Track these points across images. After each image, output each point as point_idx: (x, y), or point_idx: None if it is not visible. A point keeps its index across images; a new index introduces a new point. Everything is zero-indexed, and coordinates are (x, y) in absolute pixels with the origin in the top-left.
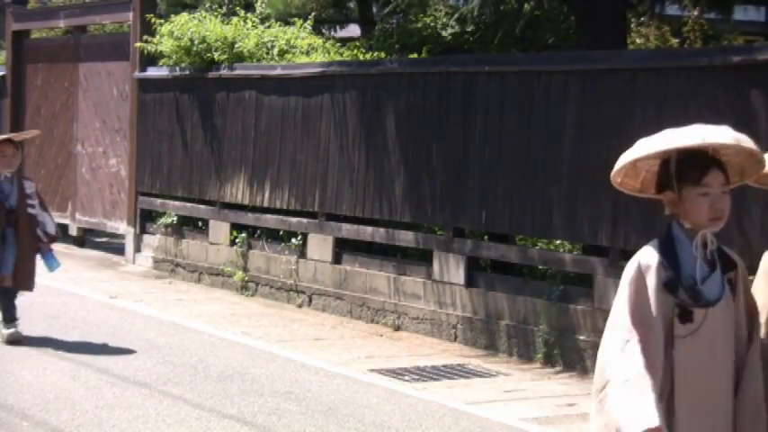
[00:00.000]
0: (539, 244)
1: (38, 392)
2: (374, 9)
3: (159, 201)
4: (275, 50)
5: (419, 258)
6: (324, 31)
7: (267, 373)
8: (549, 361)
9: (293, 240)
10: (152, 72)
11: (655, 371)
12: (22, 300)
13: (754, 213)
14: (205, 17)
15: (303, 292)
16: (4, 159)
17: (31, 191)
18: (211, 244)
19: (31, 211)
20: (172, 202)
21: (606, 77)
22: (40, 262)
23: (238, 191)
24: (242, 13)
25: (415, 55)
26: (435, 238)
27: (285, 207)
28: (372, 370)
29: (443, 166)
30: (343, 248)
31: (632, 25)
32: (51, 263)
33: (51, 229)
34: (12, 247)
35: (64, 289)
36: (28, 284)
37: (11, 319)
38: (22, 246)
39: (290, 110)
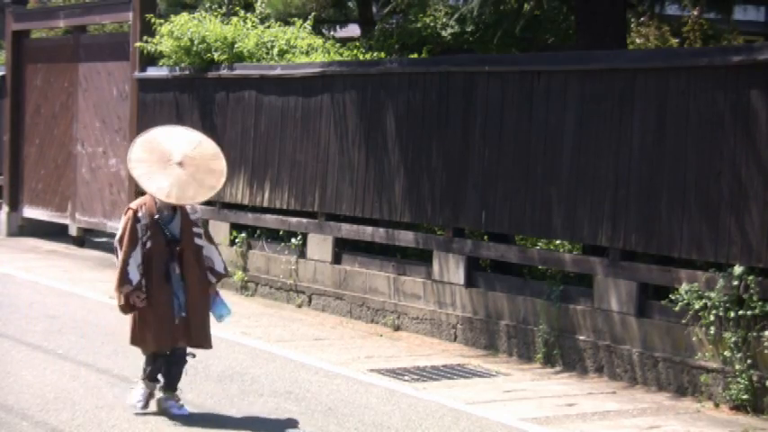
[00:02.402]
0: (539, 244)
1: (38, 392)
2: (374, 9)
3: None
4: (275, 50)
5: (419, 258)
6: (324, 31)
7: (267, 373)
8: (548, 361)
9: (293, 240)
10: (152, 72)
11: None
12: (22, 299)
13: (754, 213)
14: (205, 17)
15: (303, 292)
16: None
17: (196, 216)
18: None
19: (198, 241)
20: None
21: (606, 77)
22: None
23: (238, 191)
24: (242, 13)
25: (415, 55)
26: (435, 237)
27: (285, 207)
28: (372, 370)
29: (443, 166)
30: (342, 248)
31: (632, 25)
32: (221, 310)
33: (220, 267)
34: (180, 289)
35: (64, 289)
36: (206, 339)
37: (172, 387)
38: (192, 287)
39: (289, 110)
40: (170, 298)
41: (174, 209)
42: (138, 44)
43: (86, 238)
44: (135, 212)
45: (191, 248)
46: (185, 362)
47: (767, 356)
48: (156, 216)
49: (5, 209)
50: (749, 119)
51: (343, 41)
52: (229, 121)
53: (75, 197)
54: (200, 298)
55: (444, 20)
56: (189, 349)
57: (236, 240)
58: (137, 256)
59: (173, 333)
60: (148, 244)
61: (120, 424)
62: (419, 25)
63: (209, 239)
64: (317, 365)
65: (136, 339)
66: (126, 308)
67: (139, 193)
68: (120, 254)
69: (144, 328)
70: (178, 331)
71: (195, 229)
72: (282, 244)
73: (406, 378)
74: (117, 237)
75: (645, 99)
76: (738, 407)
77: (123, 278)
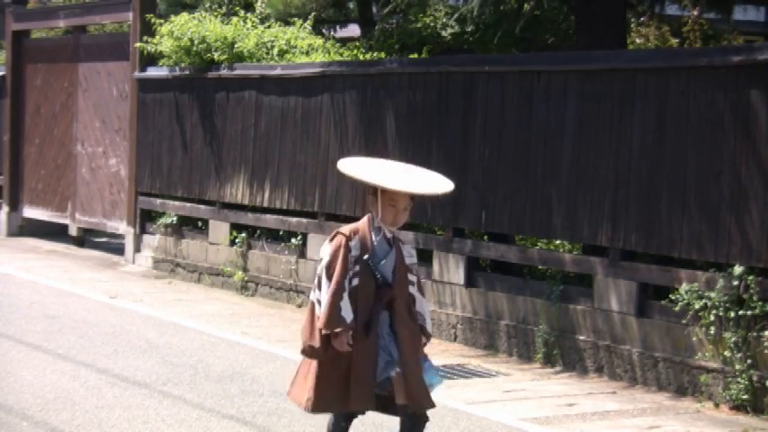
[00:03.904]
0: (539, 244)
1: (38, 392)
2: (374, 9)
3: (159, 201)
4: (275, 50)
5: (419, 258)
6: (324, 31)
7: (267, 373)
8: (548, 361)
9: (293, 240)
10: (152, 72)
11: None
12: (22, 299)
13: (754, 213)
14: (205, 17)
15: (303, 292)
16: (392, 211)
17: (411, 261)
18: (211, 244)
19: (411, 290)
20: (171, 202)
21: (606, 77)
22: None
23: (238, 191)
24: (242, 13)
25: (415, 55)
26: (435, 238)
27: (285, 207)
28: None
29: (443, 166)
30: None
31: (632, 25)
32: (431, 378)
33: (428, 324)
34: (392, 343)
35: (64, 289)
36: (427, 397)
37: None
38: (405, 341)
39: (289, 110)
40: (374, 352)
41: (391, 244)
42: (138, 44)
43: (86, 238)
44: (347, 239)
45: (403, 297)
46: (424, 423)
47: (767, 356)
48: (367, 257)
49: (5, 209)
50: (749, 119)
51: (343, 41)
52: (229, 121)
53: (75, 197)
54: (414, 355)
55: (444, 20)
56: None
57: (237, 240)
58: (347, 292)
59: (372, 392)
60: (354, 281)
61: (119, 424)
62: (419, 25)
63: (422, 292)
64: None
65: (314, 397)
66: (318, 351)
67: (139, 192)
68: (331, 285)
69: (329, 385)
70: (388, 389)
71: (410, 276)
72: (282, 244)
73: None
74: (322, 265)
75: (645, 99)
76: (738, 407)
77: (335, 314)
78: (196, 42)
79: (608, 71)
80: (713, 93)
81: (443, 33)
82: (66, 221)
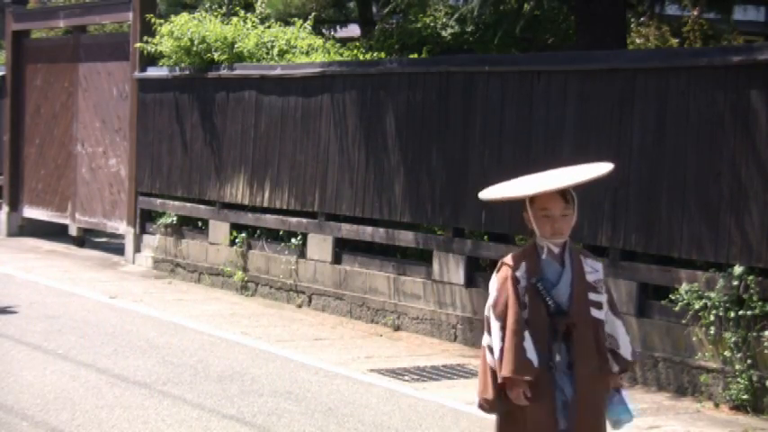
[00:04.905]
0: None
1: (38, 392)
2: (374, 9)
3: (159, 201)
4: (275, 50)
5: (419, 258)
6: (324, 31)
7: (267, 373)
8: None
9: (293, 240)
10: (152, 72)
11: None
12: (22, 299)
13: (754, 213)
14: (205, 17)
15: (303, 292)
16: (548, 221)
17: (595, 277)
18: (211, 244)
19: (595, 314)
20: (171, 202)
21: (606, 77)
22: None
23: (238, 191)
24: (242, 13)
25: (415, 55)
26: (435, 238)
27: (285, 207)
28: (372, 370)
29: (443, 166)
30: (342, 248)
31: (632, 25)
32: (620, 413)
33: (627, 350)
34: (566, 381)
35: (64, 289)
36: None
37: None
38: (582, 379)
39: (289, 110)
40: (552, 392)
41: (563, 263)
42: (138, 44)
43: (86, 238)
44: (513, 270)
45: (584, 323)
46: None
47: (767, 356)
48: (535, 280)
49: (5, 209)
50: (749, 119)
51: (343, 41)
52: (229, 121)
53: (75, 197)
54: (593, 396)
55: (444, 20)
56: None
57: (237, 240)
58: (527, 330)
59: None
60: (525, 315)
61: (119, 424)
62: (419, 25)
63: (614, 310)
64: (316, 365)
65: None
66: (495, 404)
67: (139, 192)
68: (509, 323)
69: None
70: None
71: (593, 296)
72: (282, 244)
73: (406, 378)
74: (490, 302)
75: (645, 99)
76: (738, 407)
77: (520, 358)
78: (196, 42)
79: (608, 71)
80: (713, 93)
81: (443, 33)
82: (67, 221)
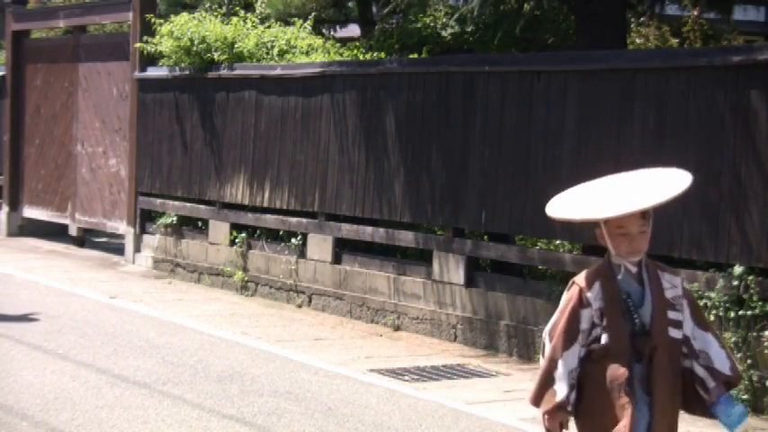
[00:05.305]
0: (539, 244)
1: (38, 392)
2: (374, 9)
3: (159, 201)
4: (275, 50)
5: (419, 258)
6: (324, 31)
7: (267, 373)
8: None
9: (293, 240)
10: (152, 72)
11: None
12: (22, 299)
13: (754, 213)
14: (205, 17)
15: (303, 292)
16: (625, 239)
17: (674, 294)
18: (211, 244)
19: (673, 334)
20: (171, 202)
21: (606, 77)
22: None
23: (238, 191)
24: (242, 13)
25: (415, 55)
26: (435, 238)
27: (285, 207)
28: (372, 370)
29: (443, 166)
30: (342, 248)
31: (632, 25)
32: (730, 413)
33: (723, 364)
34: (642, 402)
35: (64, 289)
36: None
37: None
38: (660, 404)
39: (289, 110)
40: (633, 417)
41: (641, 282)
42: (138, 44)
43: (86, 238)
44: (580, 292)
45: (664, 345)
46: None
47: (767, 356)
48: (626, 295)
49: (5, 209)
50: (749, 119)
51: (343, 41)
52: (229, 121)
53: (75, 197)
54: (671, 422)
55: (444, 20)
56: None
57: (237, 240)
58: (571, 359)
59: None
60: (603, 339)
61: (119, 424)
62: (419, 25)
63: (703, 324)
64: (316, 365)
65: None
66: (548, 429)
67: (139, 192)
68: (547, 350)
69: None
70: None
71: (672, 315)
72: (282, 244)
73: (406, 378)
74: (549, 325)
75: (645, 99)
76: None
77: (544, 386)
78: (196, 42)
79: (608, 71)
80: (713, 93)
81: (443, 33)
82: (67, 221)
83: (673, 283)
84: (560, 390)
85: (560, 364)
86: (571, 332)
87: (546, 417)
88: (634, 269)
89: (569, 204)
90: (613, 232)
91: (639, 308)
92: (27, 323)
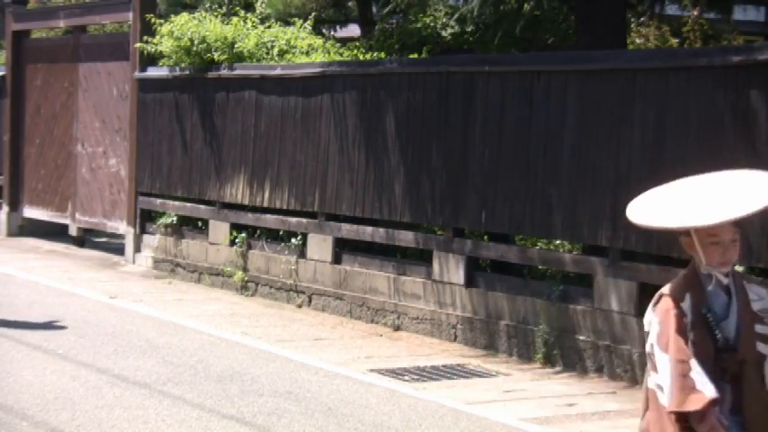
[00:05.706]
0: (539, 244)
1: (38, 392)
2: (374, 9)
3: (159, 201)
4: (275, 50)
5: (419, 258)
6: (324, 31)
7: (267, 373)
8: (548, 361)
9: (293, 240)
10: (152, 72)
11: None
12: (22, 299)
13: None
14: (205, 17)
15: (303, 292)
16: (717, 249)
17: (761, 306)
18: (211, 244)
19: (761, 348)
20: (172, 202)
21: (606, 77)
22: None
23: (238, 191)
24: (242, 13)
25: (415, 55)
26: (435, 238)
27: (285, 207)
28: (372, 370)
29: (443, 166)
30: (342, 248)
31: (632, 25)
32: None
33: None
34: (734, 425)
35: (64, 289)
36: None
37: None
38: (755, 421)
39: (289, 110)
40: None
41: (729, 293)
42: (138, 44)
43: (86, 238)
44: (677, 302)
45: (752, 360)
46: None
47: None
48: (705, 310)
49: (5, 209)
50: (749, 119)
51: (343, 41)
52: (229, 121)
53: (75, 197)
54: None
55: (444, 20)
56: None
57: (237, 240)
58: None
59: None
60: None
61: (119, 424)
62: (419, 25)
63: None
64: (317, 365)
65: None
66: None
67: (139, 192)
68: (670, 352)
69: None
70: None
71: (759, 328)
72: (282, 244)
73: (406, 378)
74: (652, 339)
75: (645, 99)
76: None
77: (684, 388)
78: (196, 42)
79: (608, 71)
80: (713, 93)
81: (443, 33)
82: (67, 221)
83: (760, 295)
84: (706, 387)
85: (693, 363)
86: (684, 334)
87: (699, 416)
88: (725, 281)
89: (654, 210)
90: (705, 241)
91: (723, 320)
92: (27, 325)
